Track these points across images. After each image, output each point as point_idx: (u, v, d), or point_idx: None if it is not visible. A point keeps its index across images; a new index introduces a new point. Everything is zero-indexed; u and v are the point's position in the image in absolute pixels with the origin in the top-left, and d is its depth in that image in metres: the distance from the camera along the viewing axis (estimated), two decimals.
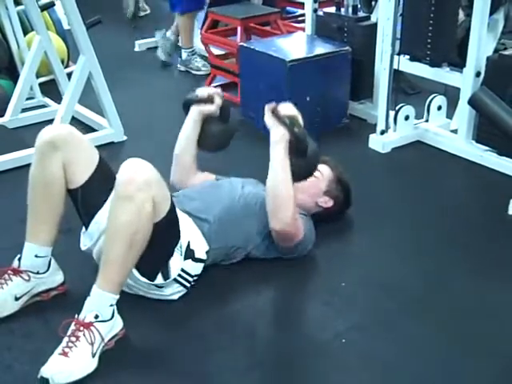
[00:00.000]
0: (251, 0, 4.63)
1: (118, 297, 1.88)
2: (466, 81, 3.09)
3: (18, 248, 2.06)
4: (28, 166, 2.10)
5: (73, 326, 1.83)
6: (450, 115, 3.43)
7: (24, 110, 3.59)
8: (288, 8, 5.13)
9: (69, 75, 3.47)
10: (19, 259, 2.04)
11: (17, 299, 2.03)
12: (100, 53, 3.26)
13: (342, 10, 3.58)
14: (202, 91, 2.43)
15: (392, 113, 3.26)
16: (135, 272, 1.99)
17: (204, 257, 2.14)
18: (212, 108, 2.40)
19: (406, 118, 3.28)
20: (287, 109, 2.20)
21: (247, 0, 4.59)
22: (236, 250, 2.25)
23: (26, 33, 3.96)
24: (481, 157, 3.06)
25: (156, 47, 4.88)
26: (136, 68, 4.68)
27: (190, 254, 2.08)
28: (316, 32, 3.72)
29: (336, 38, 3.55)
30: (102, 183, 2.07)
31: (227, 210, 2.24)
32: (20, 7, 3.88)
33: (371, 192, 2.83)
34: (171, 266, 2.04)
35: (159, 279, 2.04)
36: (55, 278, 2.12)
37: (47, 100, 3.84)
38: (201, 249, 2.13)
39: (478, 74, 3.03)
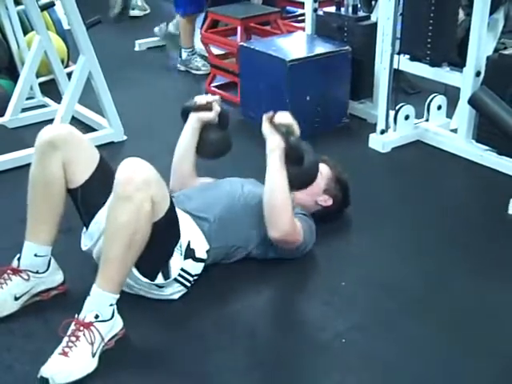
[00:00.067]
0: (251, 0, 4.63)
1: (117, 296, 1.88)
2: (465, 80, 3.09)
3: (18, 248, 2.06)
4: (28, 165, 2.10)
5: (73, 326, 1.83)
6: (450, 115, 3.42)
7: (24, 110, 3.58)
8: (288, 8, 5.12)
9: (69, 75, 3.47)
10: (19, 259, 2.04)
11: (16, 299, 2.03)
12: (100, 53, 3.25)
13: (342, 9, 3.58)
14: (201, 98, 2.42)
15: (392, 112, 3.25)
16: (136, 272, 1.99)
17: (204, 256, 2.14)
18: (211, 115, 2.40)
19: (406, 117, 3.27)
20: (283, 117, 2.20)
21: (247, 0, 4.59)
22: (236, 249, 2.25)
23: (26, 33, 3.95)
24: (481, 156, 3.06)
25: (156, 47, 4.87)
26: (136, 68, 4.67)
27: (190, 254, 2.08)
28: (316, 32, 3.72)
29: (336, 37, 3.54)
30: (102, 183, 2.06)
31: (227, 209, 2.23)
32: (20, 7, 3.87)
33: (371, 192, 2.83)
34: (171, 265, 2.04)
35: (160, 279, 2.03)
36: (55, 277, 2.12)
37: (47, 100, 3.83)
38: (201, 248, 2.13)
39: (478, 74, 3.02)
